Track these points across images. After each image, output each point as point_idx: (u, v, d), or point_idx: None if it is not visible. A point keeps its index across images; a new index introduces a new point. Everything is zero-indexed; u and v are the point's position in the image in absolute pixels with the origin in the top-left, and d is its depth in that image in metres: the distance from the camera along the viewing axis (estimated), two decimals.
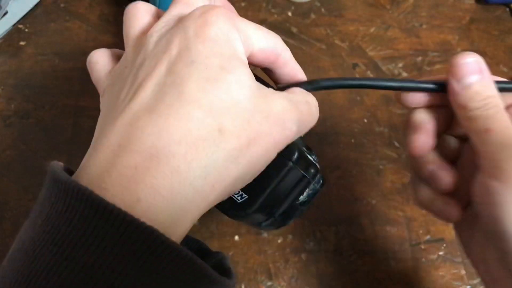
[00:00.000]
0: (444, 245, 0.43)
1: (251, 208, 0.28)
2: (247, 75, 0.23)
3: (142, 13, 0.27)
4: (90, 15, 0.54)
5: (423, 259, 0.42)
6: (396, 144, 0.47)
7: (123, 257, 0.19)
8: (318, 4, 0.56)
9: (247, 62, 0.24)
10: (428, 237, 0.43)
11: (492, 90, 0.26)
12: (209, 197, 0.22)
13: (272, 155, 0.24)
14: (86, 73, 0.53)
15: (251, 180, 0.24)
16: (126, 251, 0.19)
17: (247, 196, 0.28)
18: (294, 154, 0.28)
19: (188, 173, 0.21)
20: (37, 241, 0.20)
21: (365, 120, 0.49)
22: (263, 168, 0.24)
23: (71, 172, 0.23)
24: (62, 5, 0.55)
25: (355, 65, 0.52)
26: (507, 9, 0.56)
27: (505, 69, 0.52)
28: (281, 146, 0.24)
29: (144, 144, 0.21)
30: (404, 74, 0.51)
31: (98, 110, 0.51)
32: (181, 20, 0.24)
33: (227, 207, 0.28)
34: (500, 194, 0.24)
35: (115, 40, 0.52)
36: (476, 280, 0.42)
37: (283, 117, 0.24)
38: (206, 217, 0.43)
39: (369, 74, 0.51)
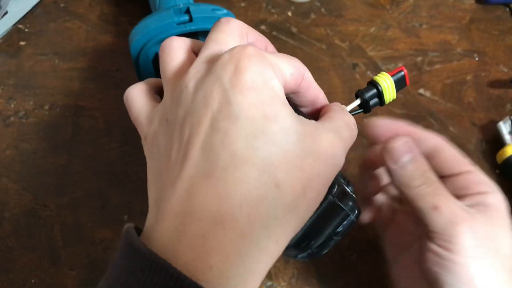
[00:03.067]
0: None
1: (290, 241, 0.28)
2: (290, 117, 0.23)
3: (177, 50, 0.27)
4: (90, 15, 0.54)
5: None
6: None
7: None
8: (318, 4, 0.56)
9: (285, 99, 0.24)
10: None
11: (425, 165, 0.29)
12: (274, 252, 0.23)
13: (325, 192, 0.25)
14: (86, 73, 0.53)
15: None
16: None
17: None
18: (334, 188, 0.28)
19: (253, 235, 0.21)
20: None
21: (365, 120, 0.49)
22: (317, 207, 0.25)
23: (139, 230, 0.24)
24: (62, 5, 0.55)
25: (355, 65, 0.52)
26: (507, 9, 0.56)
27: (505, 69, 0.52)
28: (331, 180, 0.25)
29: (208, 211, 0.21)
30: None
31: (98, 110, 0.51)
32: (213, 67, 0.23)
33: None
34: (453, 263, 0.27)
35: (115, 40, 0.52)
36: None
37: (332, 152, 0.24)
38: None
39: (369, 74, 0.51)
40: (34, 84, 0.50)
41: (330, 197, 0.28)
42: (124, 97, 0.28)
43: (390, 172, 0.29)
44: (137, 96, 0.28)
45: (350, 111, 0.30)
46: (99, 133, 0.47)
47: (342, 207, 0.28)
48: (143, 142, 0.27)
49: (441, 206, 0.28)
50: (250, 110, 0.22)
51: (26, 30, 0.53)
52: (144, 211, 0.43)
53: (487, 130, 0.47)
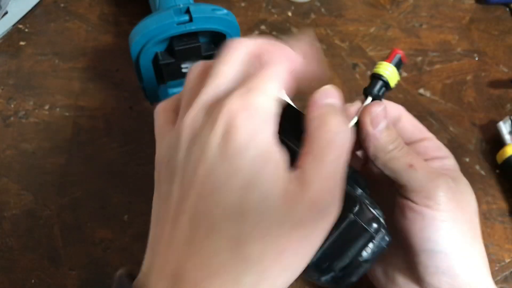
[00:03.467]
0: None
1: (310, 260, 0.27)
2: (279, 180, 0.23)
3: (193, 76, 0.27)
4: (90, 15, 0.54)
5: None
6: None
7: None
8: (318, 4, 0.56)
9: (278, 149, 0.23)
10: None
11: (396, 131, 0.31)
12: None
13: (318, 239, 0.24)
14: (86, 73, 0.53)
15: None
16: None
17: None
18: (355, 206, 0.27)
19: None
20: None
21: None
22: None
23: (133, 277, 0.25)
24: (62, 5, 0.55)
25: (355, 65, 0.52)
26: (507, 9, 0.56)
27: (505, 69, 0.52)
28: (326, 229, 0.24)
29: (190, 279, 0.22)
30: (404, 74, 0.51)
31: (98, 110, 0.51)
32: (209, 122, 0.23)
33: None
34: (433, 219, 0.29)
35: (115, 40, 0.52)
36: None
37: (322, 203, 0.23)
38: None
39: (369, 74, 0.51)
40: (34, 84, 0.50)
41: (351, 215, 0.27)
42: (154, 112, 0.29)
43: (366, 137, 0.30)
44: (161, 112, 0.28)
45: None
46: (99, 133, 0.47)
47: (365, 227, 0.28)
48: (156, 166, 0.28)
49: (415, 164, 0.30)
50: (242, 171, 0.22)
51: (26, 30, 0.53)
52: (144, 211, 0.43)
53: (487, 130, 0.47)
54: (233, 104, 0.23)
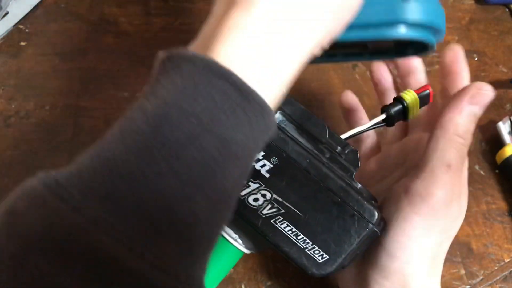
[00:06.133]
0: None
1: (332, 267, 0.29)
2: None
3: None
4: (91, 16, 0.54)
5: None
6: None
7: (257, 136, 0.21)
8: None
9: None
10: None
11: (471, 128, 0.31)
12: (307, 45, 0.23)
13: None
14: (86, 73, 0.53)
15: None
16: (259, 131, 0.21)
17: (328, 256, 0.29)
18: (375, 216, 0.28)
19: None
20: (180, 108, 0.20)
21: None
22: None
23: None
24: (62, 5, 0.55)
25: (355, 65, 0.52)
26: (507, 9, 0.56)
27: (504, 69, 0.52)
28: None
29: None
30: None
31: (98, 110, 0.51)
32: None
33: (309, 266, 0.29)
34: (410, 223, 0.30)
35: (115, 40, 0.53)
36: (476, 280, 0.42)
37: None
38: None
39: (369, 74, 0.51)
40: (35, 84, 0.50)
41: (372, 226, 0.28)
42: None
43: (454, 103, 0.30)
44: None
45: (374, 125, 0.32)
46: (100, 133, 0.46)
47: (378, 232, 0.29)
48: None
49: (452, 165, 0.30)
50: None
51: (27, 30, 0.53)
52: None
53: (487, 130, 0.48)
54: None
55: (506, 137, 0.45)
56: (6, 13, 0.52)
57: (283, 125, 0.29)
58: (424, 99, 0.32)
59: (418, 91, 0.32)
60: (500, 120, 0.46)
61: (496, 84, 0.51)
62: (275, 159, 0.28)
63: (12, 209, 0.19)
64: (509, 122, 0.46)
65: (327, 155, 0.29)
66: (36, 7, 0.54)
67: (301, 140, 0.29)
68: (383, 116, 0.31)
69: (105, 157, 0.20)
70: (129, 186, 0.19)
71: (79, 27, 0.54)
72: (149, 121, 0.20)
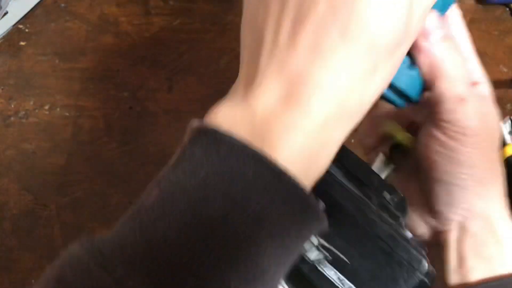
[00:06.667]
0: None
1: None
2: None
3: None
4: (90, 15, 0.54)
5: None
6: None
7: (289, 214, 0.21)
8: None
9: None
10: None
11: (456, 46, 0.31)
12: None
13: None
14: (86, 73, 0.53)
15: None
16: (291, 210, 0.21)
17: None
18: (425, 266, 0.28)
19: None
20: (207, 186, 0.21)
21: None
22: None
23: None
24: (62, 5, 0.55)
25: None
26: (507, 9, 0.56)
27: (505, 69, 0.52)
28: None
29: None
30: None
31: (98, 110, 0.51)
32: None
33: None
34: (456, 152, 0.29)
35: (115, 40, 0.52)
36: None
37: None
38: None
39: None
40: (34, 84, 0.50)
41: (420, 275, 0.28)
42: None
43: (418, 55, 0.28)
44: None
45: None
46: (99, 133, 0.47)
47: (426, 282, 0.28)
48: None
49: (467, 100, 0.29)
50: None
51: (27, 30, 0.53)
52: None
53: None
54: None
55: (506, 137, 0.45)
56: (6, 13, 0.52)
57: (331, 170, 0.29)
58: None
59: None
60: (501, 120, 0.46)
61: (496, 84, 0.51)
62: (322, 204, 0.28)
63: (61, 277, 0.21)
64: (509, 122, 0.46)
65: (375, 202, 0.29)
66: (36, 7, 0.54)
67: (349, 185, 0.29)
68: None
69: (146, 233, 0.21)
70: (168, 265, 0.20)
71: (79, 27, 0.53)
72: (189, 203, 0.21)
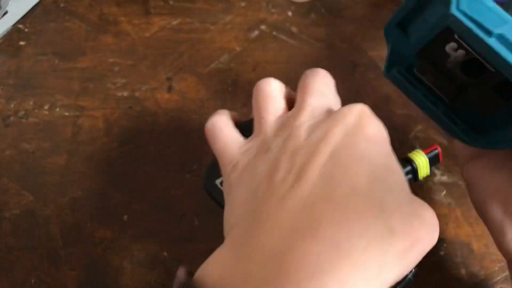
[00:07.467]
0: (444, 245, 0.43)
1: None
2: (404, 177, 0.24)
3: (276, 94, 0.28)
4: (90, 15, 0.54)
5: (424, 259, 0.42)
6: (397, 144, 0.47)
7: None
8: (318, 4, 0.56)
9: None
10: None
11: None
12: None
13: (418, 260, 0.25)
14: (86, 73, 0.53)
15: None
16: None
17: None
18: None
19: (366, 270, 0.21)
20: None
21: None
22: None
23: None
24: (62, 5, 0.55)
25: (355, 65, 0.51)
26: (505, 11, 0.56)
27: None
28: (425, 253, 0.25)
29: (325, 232, 0.21)
30: None
31: (98, 110, 0.51)
32: (332, 115, 0.25)
33: None
34: None
35: (115, 40, 0.52)
36: (476, 280, 0.42)
37: (434, 224, 0.24)
38: (209, 217, 0.43)
39: (369, 74, 0.51)
40: (34, 84, 0.50)
41: (411, 277, 0.28)
42: (210, 126, 0.29)
43: None
44: (225, 126, 0.28)
45: None
46: (99, 133, 0.47)
47: (412, 280, 0.29)
48: (228, 171, 0.26)
49: None
50: (373, 157, 0.23)
51: (26, 30, 0.53)
52: (144, 211, 0.43)
53: None
54: (360, 107, 0.25)
55: None
56: (6, 13, 0.52)
57: None
58: (434, 159, 0.32)
59: (426, 151, 0.32)
60: None
61: None
62: None
63: None
64: None
65: None
66: (36, 6, 0.54)
67: None
68: None
69: None
70: None
71: (79, 27, 0.53)
72: None
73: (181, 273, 0.23)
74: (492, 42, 0.26)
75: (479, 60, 0.28)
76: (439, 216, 0.44)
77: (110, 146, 0.46)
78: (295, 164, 0.23)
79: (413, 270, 0.29)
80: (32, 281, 0.39)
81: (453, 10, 0.26)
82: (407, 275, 0.28)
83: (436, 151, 0.32)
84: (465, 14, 0.26)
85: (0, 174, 0.44)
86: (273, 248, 0.21)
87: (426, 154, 0.32)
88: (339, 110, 0.25)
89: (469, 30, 0.26)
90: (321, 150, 0.23)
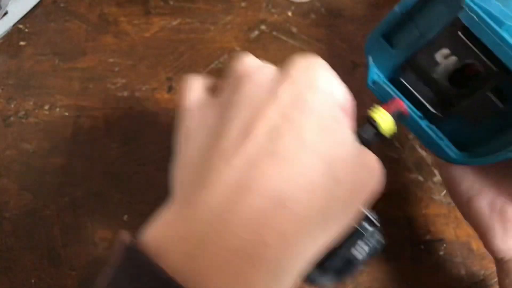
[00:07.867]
0: (444, 245, 0.43)
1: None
2: (350, 126, 0.24)
3: (258, 62, 0.28)
4: (90, 15, 0.54)
5: (423, 259, 0.42)
6: (397, 144, 0.47)
7: None
8: (318, 4, 0.56)
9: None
10: (428, 237, 0.43)
11: None
12: (319, 247, 0.22)
13: (364, 206, 0.25)
14: (86, 73, 0.53)
15: None
16: None
17: None
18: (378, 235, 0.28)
19: (310, 222, 0.21)
20: None
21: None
22: None
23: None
24: (62, 5, 0.55)
25: (355, 65, 0.51)
26: None
27: None
28: (370, 198, 0.25)
29: (267, 186, 0.21)
30: None
31: (98, 110, 0.51)
32: (284, 69, 0.25)
33: None
34: None
35: (115, 40, 0.52)
36: (476, 280, 0.42)
37: (377, 169, 0.24)
38: None
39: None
40: (34, 84, 0.50)
41: None
42: (183, 84, 0.28)
43: None
44: (196, 87, 0.28)
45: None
46: (99, 133, 0.47)
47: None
48: (181, 113, 0.26)
49: None
50: (322, 108, 0.23)
51: (26, 30, 0.53)
52: (144, 211, 0.43)
53: None
54: (311, 59, 0.26)
55: None
56: (6, 13, 0.52)
57: None
58: (397, 115, 0.30)
59: (386, 106, 0.30)
60: None
61: None
62: None
63: None
64: None
65: None
66: (36, 6, 0.54)
67: None
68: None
69: None
70: None
71: (79, 27, 0.53)
72: None
73: (125, 236, 0.22)
74: (504, 32, 0.26)
75: (474, 65, 0.29)
76: (439, 216, 0.44)
77: (110, 146, 0.46)
78: (243, 119, 0.23)
79: (382, 241, 0.29)
80: (32, 281, 0.40)
81: (468, 1, 0.27)
82: (371, 243, 0.28)
83: (397, 105, 0.30)
84: (478, 5, 0.27)
85: (0, 174, 0.45)
86: (215, 205, 0.21)
87: (387, 109, 0.30)
88: (288, 64, 0.25)
89: (482, 20, 0.27)
90: (269, 107, 0.23)
